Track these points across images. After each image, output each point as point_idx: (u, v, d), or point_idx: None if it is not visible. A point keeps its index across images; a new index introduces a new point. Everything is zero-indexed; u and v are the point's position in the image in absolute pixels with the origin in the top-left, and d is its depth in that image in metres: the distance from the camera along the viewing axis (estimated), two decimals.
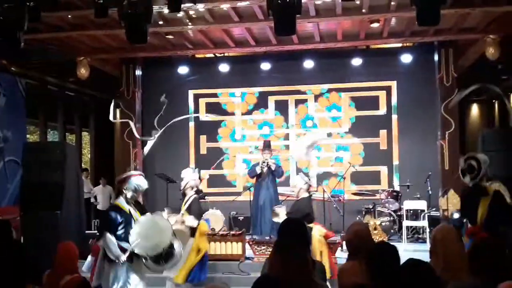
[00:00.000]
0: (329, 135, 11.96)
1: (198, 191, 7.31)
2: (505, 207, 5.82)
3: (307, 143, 9.88)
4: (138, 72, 12.33)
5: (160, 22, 9.15)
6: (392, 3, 8.67)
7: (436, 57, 11.41)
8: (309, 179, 8.02)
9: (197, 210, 7.12)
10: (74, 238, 7.98)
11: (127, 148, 12.24)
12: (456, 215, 10.23)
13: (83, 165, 15.40)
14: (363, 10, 8.97)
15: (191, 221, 6.92)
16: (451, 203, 10.52)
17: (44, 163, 8.80)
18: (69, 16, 8.93)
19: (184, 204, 7.06)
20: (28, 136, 14.50)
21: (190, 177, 7.22)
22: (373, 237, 5.54)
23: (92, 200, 13.13)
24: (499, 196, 5.85)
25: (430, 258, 3.58)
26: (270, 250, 6.24)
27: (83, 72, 11.09)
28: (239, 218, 11.12)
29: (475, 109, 15.17)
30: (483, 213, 5.75)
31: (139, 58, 12.07)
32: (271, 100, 12.23)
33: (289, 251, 3.38)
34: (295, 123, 12.11)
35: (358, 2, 8.47)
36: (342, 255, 8.34)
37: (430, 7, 5.54)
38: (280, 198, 10.04)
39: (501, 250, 2.93)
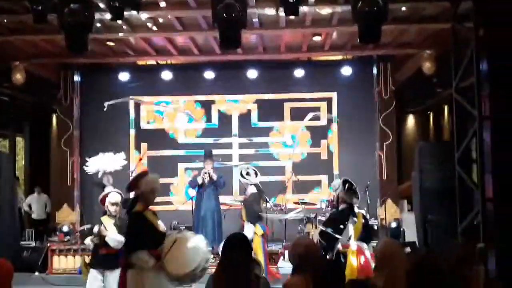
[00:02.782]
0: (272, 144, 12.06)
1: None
2: None
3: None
4: (77, 78, 12.00)
5: (101, 28, 8.94)
6: (334, 18, 8.86)
7: (375, 70, 11.74)
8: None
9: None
10: (9, 250, 7.69)
11: (64, 156, 11.86)
12: (394, 224, 10.57)
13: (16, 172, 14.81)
14: (306, 24, 9.13)
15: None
16: (388, 212, 10.84)
17: None
18: (5, 20, 8.59)
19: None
20: None
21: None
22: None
23: (26, 209, 12.62)
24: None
25: (373, 272, 3.65)
26: (212, 260, 6.18)
27: (18, 77, 10.69)
28: (180, 227, 10.97)
29: (411, 120, 15.68)
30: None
31: (78, 63, 11.74)
32: (214, 109, 12.18)
33: (233, 269, 3.37)
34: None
35: (301, 16, 8.60)
36: (284, 265, 8.43)
37: (371, 25, 5.70)
38: (222, 207, 10.02)
39: (440, 268, 3.03)
